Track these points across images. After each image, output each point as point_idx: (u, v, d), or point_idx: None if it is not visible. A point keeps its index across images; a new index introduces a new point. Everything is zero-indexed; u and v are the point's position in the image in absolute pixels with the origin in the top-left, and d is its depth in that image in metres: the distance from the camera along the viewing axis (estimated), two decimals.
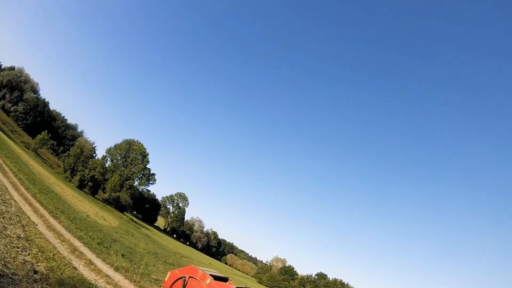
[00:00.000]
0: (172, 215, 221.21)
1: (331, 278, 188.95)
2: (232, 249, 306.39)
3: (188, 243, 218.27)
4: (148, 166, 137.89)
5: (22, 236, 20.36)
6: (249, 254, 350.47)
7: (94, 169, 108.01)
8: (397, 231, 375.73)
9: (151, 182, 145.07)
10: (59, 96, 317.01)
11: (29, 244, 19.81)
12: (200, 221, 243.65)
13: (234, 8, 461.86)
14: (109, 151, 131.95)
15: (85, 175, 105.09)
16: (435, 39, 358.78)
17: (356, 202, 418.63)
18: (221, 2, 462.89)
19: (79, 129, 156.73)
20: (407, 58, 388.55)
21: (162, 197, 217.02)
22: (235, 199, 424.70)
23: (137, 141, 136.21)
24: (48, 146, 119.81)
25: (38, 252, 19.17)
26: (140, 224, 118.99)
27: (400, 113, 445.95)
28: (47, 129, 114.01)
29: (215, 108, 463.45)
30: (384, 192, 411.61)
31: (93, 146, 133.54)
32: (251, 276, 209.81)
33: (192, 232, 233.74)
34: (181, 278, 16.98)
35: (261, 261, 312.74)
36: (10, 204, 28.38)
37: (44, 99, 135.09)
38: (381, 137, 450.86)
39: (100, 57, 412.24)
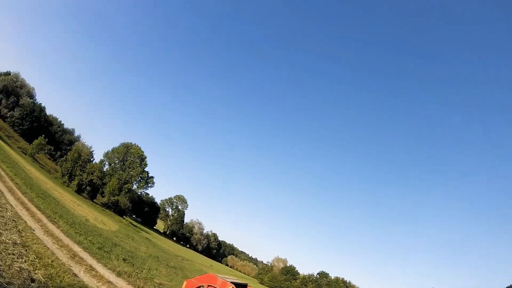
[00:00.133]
0: (172, 218, 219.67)
1: (333, 277, 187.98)
2: (232, 250, 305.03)
3: (188, 246, 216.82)
4: (146, 169, 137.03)
5: (18, 242, 19.13)
6: (250, 255, 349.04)
7: (92, 173, 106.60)
8: (397, 229, 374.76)
9: (149, 185, 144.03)
10: (56, 101, 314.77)
11: (26, 250, 18.58)
12: (200, 223, 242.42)
13: (233, 8, 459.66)
14: (106, 155, 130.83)
15: (83, 179, 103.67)
16: (435, 39, 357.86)
17: (355, 200, 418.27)
18: (220, 2, 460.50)
19: (76, 134, 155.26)
20: (406, 58, 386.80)
21: (161, 200, 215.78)
22: (235, 200, 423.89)
23: (135, 144, 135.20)
24: (45, 151, 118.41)
25: (35, 258, 17.95)
26: (140, 228, 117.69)
27: (400, 113, 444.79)
28: (44, 134, 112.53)
29: (212, 109, 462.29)
30: (384, 191, 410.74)
31: (91, 150, 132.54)
32: (253, 277, 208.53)
33: (192, 235, 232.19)
34: (199, 287, 15.82)
35: (262, 261, 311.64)
36: (6, 208, 27.13)
37: (40, 104, 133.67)
38: (381, 136, 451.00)
39: (96, 60, 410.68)
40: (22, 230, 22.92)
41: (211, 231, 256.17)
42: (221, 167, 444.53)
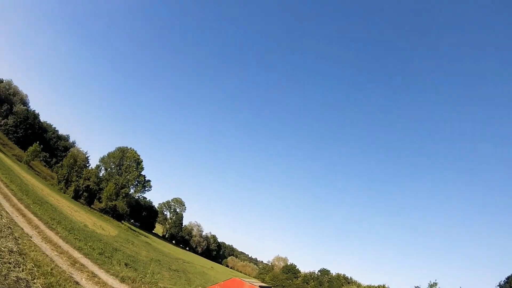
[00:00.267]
0: (170, 221, 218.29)
1: (334, 274, 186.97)
2: (232, 251, 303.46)
3: (187, 248, 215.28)
4: (143, 173, 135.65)
5: (14, 250, 17.74)
6: (249, 256, 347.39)
7: (89, 179, 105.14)
8: (397, 223, 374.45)
9: (146, 189, 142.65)
10: (49, 107, 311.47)
11: (23, 258, 17.19)
12: (199, 225, 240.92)
13: (229, 9, 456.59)
14: (102, 160, 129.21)
15: (80, 185, 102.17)
16: (435, 38, 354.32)
17: (354, 197, 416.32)
18: (217, 2, 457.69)
19: (71, 140, 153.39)
20: (406, 57, 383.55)
21: (159, 204, 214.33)
22: (233, 201, 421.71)
23: (131, 148, 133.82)
24: (41, 158, 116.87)
25: (33, 267, 16.57)
26: (138, 232, 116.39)
27: (390, 111, 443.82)
28: (38, 141, 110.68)
29: (207, 110, 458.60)
30: (382, 187, 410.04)
31: (86, 156, 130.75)
32: (254, 277, 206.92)
33: (191, 237, 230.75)
34: None
35: (262, 261, 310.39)
36: (1, 215, 25.71)
37: (34, 111, 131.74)
38: (376, 132, 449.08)
39: (88, 64, 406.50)
40: (19, 237, 21.52)
41: (210, 232, 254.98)
42: (218, 168, 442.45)
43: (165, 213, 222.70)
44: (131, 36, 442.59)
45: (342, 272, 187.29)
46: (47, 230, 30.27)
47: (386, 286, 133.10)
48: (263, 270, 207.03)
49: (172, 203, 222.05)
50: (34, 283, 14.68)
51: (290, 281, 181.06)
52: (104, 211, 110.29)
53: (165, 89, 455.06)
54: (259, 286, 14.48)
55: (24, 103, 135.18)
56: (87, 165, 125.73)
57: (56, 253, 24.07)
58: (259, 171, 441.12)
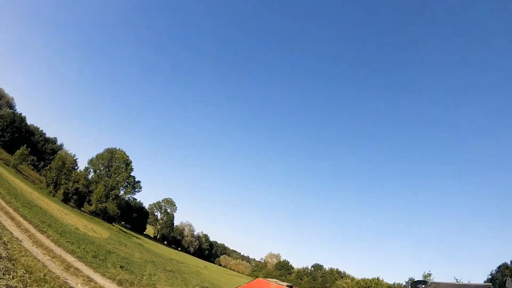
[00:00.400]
0: (161, 221, 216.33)
1: (327, 268, 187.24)
2: (224, 250, 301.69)
3: (179, 249, 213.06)
4: (132, 173, 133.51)
5: (3, 255, 16.23)
6: (242, 254, 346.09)
7: (77, 182, 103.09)
8: (389, 217, 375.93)
9: (136, 190, 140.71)
10: (36, 110, 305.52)
11: (13, 264, 15.69)
12: (190, 225, 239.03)
13: (223, 8, 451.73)
14: (91, 161, 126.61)
15: (69, 188, 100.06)
16: (436, 37, 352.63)
17: (345, 192, 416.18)
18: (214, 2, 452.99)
19: (58, 142, 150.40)
20: (406, 57, 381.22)
21: (149, 205, 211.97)
22: (223, 200, 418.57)
23: (119, 149, 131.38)
24: (28, 162, 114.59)
25: (25, 273, 15.07)
26: (130, 234, 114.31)
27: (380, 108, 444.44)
28: (26, 144, 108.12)
29: (196, 108, 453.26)
30: (374, 182, 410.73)
31: (74, 158, 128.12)
32: (247, 275, 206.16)
33: (183, 237, 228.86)
34: None
35: (254, 259, 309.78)
36: None
37: (20, 114, 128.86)
38: (365, 128, 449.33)
39: (74, 66, 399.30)
40: (8, 242, 19.99)
41: (201, 232, 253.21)
42: (208, 167, 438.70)
43: (155, 213, 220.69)
44: (118, 35, 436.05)
45: (335, 267, 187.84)
46: (37, 234, 28.68)
47: (381, 278, 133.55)
48: (256, 268, 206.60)
49: (163, 204, 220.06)
50: None
51: (284, 277, 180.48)
52: (94, 213, 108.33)
53: (153, 88, 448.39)
54: (286, 285, 13.36)
55: (11, 106, 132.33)
56: (76, 167, 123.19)
57: (48, 257, 22.56)
58: (248, 169, 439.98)
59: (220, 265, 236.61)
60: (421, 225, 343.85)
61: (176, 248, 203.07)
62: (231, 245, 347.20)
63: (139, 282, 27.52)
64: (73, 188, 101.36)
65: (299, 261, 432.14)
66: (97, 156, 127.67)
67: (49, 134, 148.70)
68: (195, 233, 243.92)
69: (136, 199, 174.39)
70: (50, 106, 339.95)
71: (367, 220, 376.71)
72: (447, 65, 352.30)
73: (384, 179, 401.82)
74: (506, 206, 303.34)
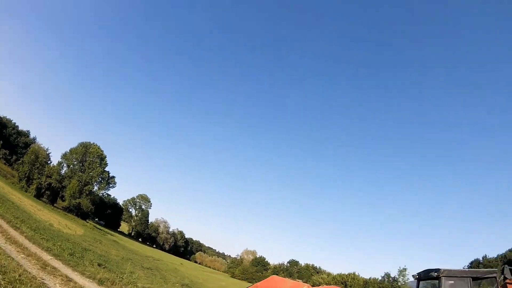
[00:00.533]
0: (136, 218, 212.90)
1: (303, 264, 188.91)
2: (200, 247, 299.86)
3: (154, 246, 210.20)
4: (106, 169, 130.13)
5: None
6: (217, 250, 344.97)
7: (50, 177, 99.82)
8: (364, 212, 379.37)
9: (111, 185, 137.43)
10: (8, 101, 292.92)
11: None
12: (165, 222, 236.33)
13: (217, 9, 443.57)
14: (64, 156, 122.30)
15: (42, 183, 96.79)
16: (436, 36, 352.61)
17: (320, 186, 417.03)
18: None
19: (31, 136, 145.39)
20: (407, 55, 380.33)
21: (124, 201, 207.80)
22: (198, 196, 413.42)
23: (93, 143, 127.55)
24: (0, 155, 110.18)
25: None
26: (104, 231, 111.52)
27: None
28: None
29: (170, 104, 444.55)
30: (350, 177, 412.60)
31: (48, 152, 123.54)
32: (223, 272, 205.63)
33: (158, 234, 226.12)
34: None
35: (229, 255, 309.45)
36: None
37: None
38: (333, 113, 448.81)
39: (47, 56, 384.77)
40: None
41: (177, 229, 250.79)
42: (183, 163, 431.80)
43: (130, 210, 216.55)
44: (96, 28, 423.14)
45: (311, 263, 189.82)
46: (10, 230, 26.74)
47: (357, 273, 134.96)
48: (232, 264, 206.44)
49: (137, 200, 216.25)
50: None
51: (260, 273, 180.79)
52: (68, 209, 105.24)
53: (129, 82, 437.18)
54: (302, 282, 12.51)
55: None
56: (49, 162, 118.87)
57: (23, 255, 20.80)
58: (223, 165, 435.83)
59: (196, 262, 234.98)
60: (396, 221, 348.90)
61: (151, 245, 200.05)
62: (206, 242, 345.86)
63: (121, 281, 25.99)
64: (46, 183, 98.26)
65: (275, 257, 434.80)
66: (70, 150, 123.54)
67: (22, 127, 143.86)
68: (170, 230, 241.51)
69: (110, 195, 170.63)
70: (23, 98, 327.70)
71: (342, 216, 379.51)
72: (447, 64, 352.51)
73: (358, 175, 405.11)
74: (478, 204, 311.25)
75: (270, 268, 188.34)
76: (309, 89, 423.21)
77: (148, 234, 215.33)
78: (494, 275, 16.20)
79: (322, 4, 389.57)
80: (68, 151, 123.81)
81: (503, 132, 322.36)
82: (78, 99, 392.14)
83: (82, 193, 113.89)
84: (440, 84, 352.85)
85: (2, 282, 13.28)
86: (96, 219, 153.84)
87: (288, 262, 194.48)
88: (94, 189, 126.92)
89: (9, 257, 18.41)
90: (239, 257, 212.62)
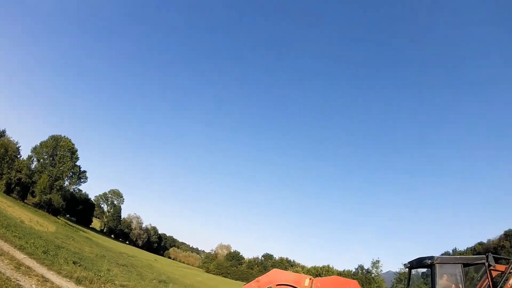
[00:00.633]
0: (108, 214, 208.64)
1: (277, 258, 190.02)
2: (173, 242, 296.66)
3: (127, 242, 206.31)
4: (78, 163, 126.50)
5: None
6: (191, 246, 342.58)
7: (20, 171, 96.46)
8: (338, 206, 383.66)
9: (82, 180, 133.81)
10: None
11: None
12: (138, 217, 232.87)
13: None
14: (34, 150, 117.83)
15: (12, 178, 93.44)
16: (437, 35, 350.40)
17: (294, 180, 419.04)
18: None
19: (0, 129, 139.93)
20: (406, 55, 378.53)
21: (95, 196, 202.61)
22: (172, 191, 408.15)
23: (65, 136, 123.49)
24: None
25: None
26: (76, 228, 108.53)
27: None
28: None
29: (139, 97, 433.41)
30: (322, 170, 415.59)
31: (17, 146, 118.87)
32: (198, 267, 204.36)
33: (131, 230, 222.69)
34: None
35: (203, 250, 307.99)
36: None
37: None
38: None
39: (15, 46, 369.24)
40: None
41: (150, 224, 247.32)
42: (154, 158, 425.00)
43: (102, 206, 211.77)
44: (64, 20, 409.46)
45: (285, 256, 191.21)
46: None
47: (331, 266, 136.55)
48: (207, 259, 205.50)
49: (109, 195, 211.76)
50: None
51: (235, 268, 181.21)
52: (38, 205, 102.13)
53: (101, 75, 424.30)
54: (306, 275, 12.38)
55: None
56: (19, 156, 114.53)
57: None
58: (196, 159, 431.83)
59: (169, 257, 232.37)
60: (368, 215, 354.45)
61: (124, 242, 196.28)
62: (180, 238, 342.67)
63: (98, 279, 24.85)
64: (16, 178, 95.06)
65: (250, 252, 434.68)
66: (41, 143, 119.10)
67: None
68: (143, 225, 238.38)
69: (81, 191, 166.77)
70: None
71: (315, 210, 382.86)
72: (447, 64, 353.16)
73: (332, 169, 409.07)
74: (446, 198, 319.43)
75: (244, 262, 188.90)
76: (309, 89, 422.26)
77: (120, 230, 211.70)
78: (483, 261, 16.34)
79: (322, 4, 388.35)
80: (38, 144, 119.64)
81: (469, 128, 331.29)
82: (49, 91, 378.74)
83: (52, 189, 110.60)
84: (440, 84, 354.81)
85: None
86: (68, 216, 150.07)
87: (263, 256, 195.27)
88: (65, 184, 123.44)
89: None
90: (213, 252, 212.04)
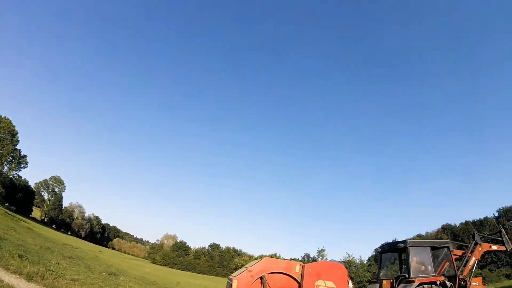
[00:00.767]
0: (49, 202, 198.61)
1: (224, 247, 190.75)
2: (117, 233, 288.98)
3: (70, 233, 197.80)
4: (18, 146, 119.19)
5: None
6: (135, 236, 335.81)
7: None
8: (285, 194, 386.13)
9: (22, 165, 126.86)
10: None
11: None
12: (81, 206, 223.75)
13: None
14: None
15: None
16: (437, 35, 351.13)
17: (237, 168, 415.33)
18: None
19: None
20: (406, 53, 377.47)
21: (35, 183, 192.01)
22: (114, 178, 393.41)
23: (5, 117, 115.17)
24: None
25: None
26: (17, 217, 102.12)
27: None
28: None
29: (85, 75, 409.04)
30: (264, 160, 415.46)
31: None
32: (143, 258, 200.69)
33: (73, 220, 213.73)
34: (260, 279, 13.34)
35: (148, 241, 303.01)
36: None
37: None
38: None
39: None
40: None
41: (93, 214, 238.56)
42: (98, 142, 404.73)
43: (42, 193, 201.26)
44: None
45: (231, 246, 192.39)
46: None
47: (278, 255, 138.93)
48: (153, 250, 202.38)
49: (50, 182, 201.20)
50: None
51: (182, 258, 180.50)
52: None
53: (49, 52, 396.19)
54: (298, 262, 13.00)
55: None
56: None
57: None
58: (141, 145, 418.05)
59: (114, 248, 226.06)
60: (314, 204, 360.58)
61: (66, 232, 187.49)
62: (123, 228, 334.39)
63: (50, 274, 22.98)
64: None
65: (197, 241, 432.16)
66: None
67: None
68: (86, 215, 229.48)
69: (21, 177, 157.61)
70: None
71: (262, 199, 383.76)
72: (447, 64, 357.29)
73: (273, 159, 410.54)
74: (391, 188, 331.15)
75: (191, 252, 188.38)
76: (309, 89, 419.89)
77: (62, 220, 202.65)
78: (447, 245, 19.32)
79: (322, 4, 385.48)
80: None
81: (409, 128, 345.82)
82: None
83: None
84: (440, 83, 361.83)
85: None
86: (7, 204, 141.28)
87: (210, 246, 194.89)
88: (4, 170, 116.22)
89: None
90: (159, 243, 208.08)
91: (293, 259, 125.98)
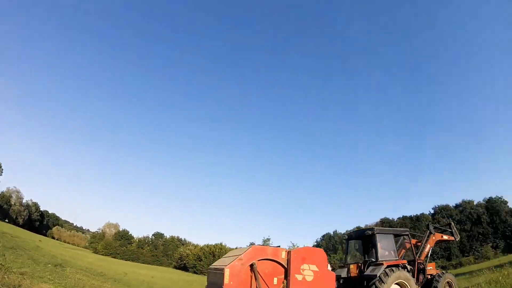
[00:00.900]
0: None
1: (168, 236, 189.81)
2: (56, 220, 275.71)
3: (7, 220, 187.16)
4: None
5: None
6: (75, 225, 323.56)
7: None
8: (229, 184, 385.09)
9: None
10: None
11: None
12: (18, 192, 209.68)
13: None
14: None
15: None
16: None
17: (185, 156, 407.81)
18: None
19: None
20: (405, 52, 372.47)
21: None
22: (51, 161, 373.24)
23: None
24: None
25: None
26: None
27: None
28: None
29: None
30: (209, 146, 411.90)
31: None
32: (84, 248, 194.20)
33: (10, 206, 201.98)
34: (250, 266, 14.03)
35: (88, 230, 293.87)
36: None
37: None
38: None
39: None
40: None
41: (31, 200, 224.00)
42: (36, 123, 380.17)
43: None
44: None
45: (176, 235, 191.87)
46: None
47: (224, 244, 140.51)
48: (94, 239, 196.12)
49: None
50: None
51: (125, 247, 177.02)
52: None
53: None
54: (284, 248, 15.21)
55: None
56: None
57: None
58: (84, 127, 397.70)
59: (53, 237, 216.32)
60: (259, 192, 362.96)
61: (3, 220, 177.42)
62: (62, 215, 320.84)
63: (0, 269, 22.59)
64: None
65: (140, 230, 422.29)
66: None
67: None
68: (24, 201, 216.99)
69: None
70: None
71: (205, 187, 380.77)
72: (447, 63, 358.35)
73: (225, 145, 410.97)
74: (333, 182, 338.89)
75: (134, 241, 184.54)
76: (309, 89, 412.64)
77: None
78: (407, 233, 21.88)
79: (322, 4, 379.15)
80: None
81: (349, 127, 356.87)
82: None
83: None
84: (440, 83, 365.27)
85: None
86: None
87: (153, 235, 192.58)
88: None
89: None
90: (100, 231, 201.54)
91: (239, 248, 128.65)
